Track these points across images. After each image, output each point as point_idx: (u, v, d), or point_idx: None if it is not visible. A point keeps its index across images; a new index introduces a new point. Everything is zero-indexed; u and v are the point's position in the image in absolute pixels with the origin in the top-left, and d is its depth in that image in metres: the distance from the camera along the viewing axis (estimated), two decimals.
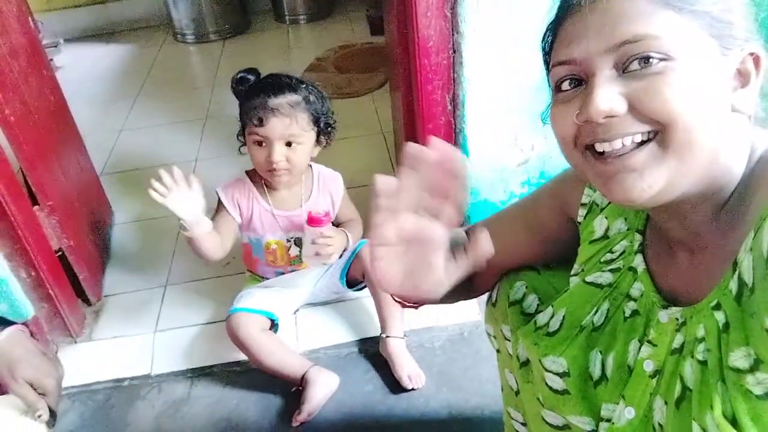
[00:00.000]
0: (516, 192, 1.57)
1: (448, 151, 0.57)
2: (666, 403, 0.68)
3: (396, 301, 0.92)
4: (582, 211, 0.84)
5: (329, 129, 1.51)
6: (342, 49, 3.23)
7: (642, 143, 0.59)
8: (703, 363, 0.63)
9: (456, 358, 1.53)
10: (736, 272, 0.60)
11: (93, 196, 1.99)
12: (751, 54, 0.60)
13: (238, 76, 1.47)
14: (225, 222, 1.53)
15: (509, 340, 0.92)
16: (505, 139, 1.47)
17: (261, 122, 1.39)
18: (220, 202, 1.55)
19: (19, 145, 1.48)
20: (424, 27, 1.33)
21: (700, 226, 0.66)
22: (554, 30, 0.66)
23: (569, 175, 0.88)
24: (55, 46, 3.38)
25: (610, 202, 0.80)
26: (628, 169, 0.60)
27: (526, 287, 0.92)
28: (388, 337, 1.50)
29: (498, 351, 1.00)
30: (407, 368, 1.46)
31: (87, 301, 1.74)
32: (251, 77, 1.46)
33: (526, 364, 0.88)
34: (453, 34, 1.34)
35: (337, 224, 1.64)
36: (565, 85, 0.64)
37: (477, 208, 1.57)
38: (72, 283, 1.66)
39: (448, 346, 1.56)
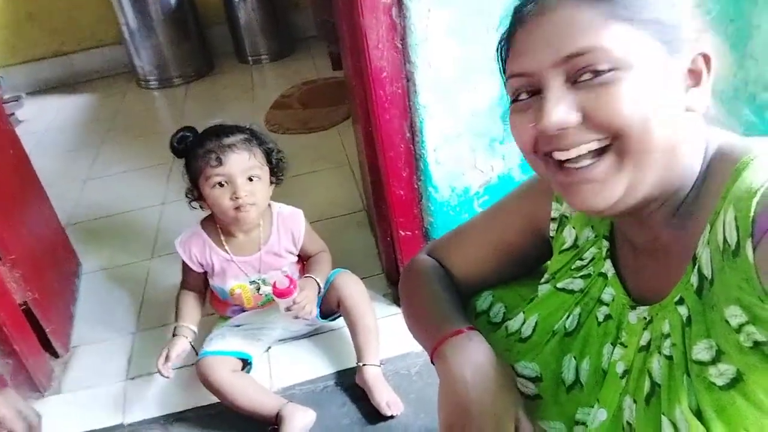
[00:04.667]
0: None
1: None
2: (635, 401, 0.68)
3: None
4: (553, 226, 0.85)
5: (281, 165, 1.53)
6: (305, 85, 3.26)
7: (600, 152, 0.61)
8: (669, 358, 0.64)
9: (433, 383, 1.49)
10: (696, 266, 0.61)
11: (58, 247, 1.97)
12: (701, 54, 0.62)
13: (178, 135, 1.47)
14: (192, 274, 1.58)
15: None
16: (465, 162, 1.48)
17: (220, 161, 1.39)
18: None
19: None
20: (376, 59, 1.35)
21: (660, 227, 0.67)
22: (508, 40, 0.68)
23: (534, 190, 0.88)
24: (17, 100, 3.36)
25: (576, 212, 0.82)
26: (589, 180, 0.61)
27: (492, 296, 0.92)
28: (364, 365, 1.49)
29: None
30: (385, 395, 1.45)
31: (55, 354, 1.70)
32: (189, 134, 1.47)
33: None
34: (405, 64, 1.36)
35: (305, 258, 1.64)
36: (522, 96, 0.65)
37: (444, 232, 1.58)
38: (38, 335, 1.62)
39: (425, 371, 1.55)
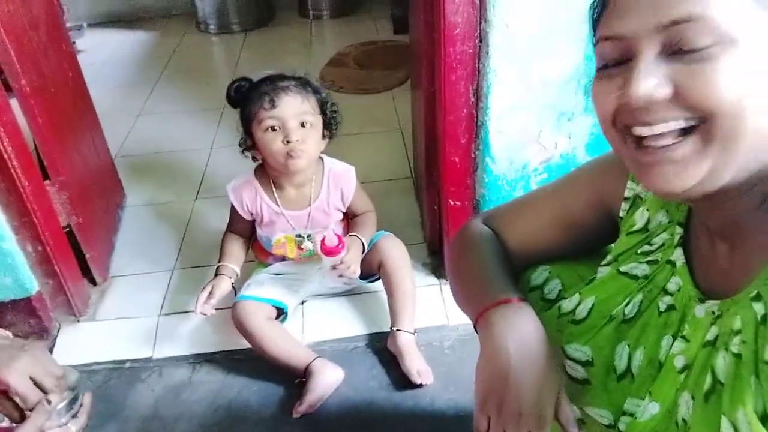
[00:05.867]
0: None
1: None
2: (693, 398, 0.64)
3: None
4: (625, 206, 0.80)
5: (334, 118, 1.49)
6: (364, 45, 3.20)
7: (685, 132, 0.55)
8: (737, 356, 0.59)
9: (465, 359, 1.48)
10: None
11: (106, 177, 1.97)
12: None
13: (234, 85, 1.44)
14: (240, 221, 1.56)
15: None
16: (529, 135, 1.42)
17: (273, 103, 1.36)
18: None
19: (34, 117, 1.46)
20: (450, 13, 1.29)
21: (743, 216, 0.62)
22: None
23: (610, 166, 0.83)
24: (79, 29, 3.38)
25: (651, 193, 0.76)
26: (669, 161, 0.56)
27: (549, 272, 0.88)
28: (398, 330, 1.46)
29: None
30: (416, 363, 1.42)
31: (93, 281, 1.72)
32: (245, 83, 1.44)
33: None
34: (480, 23, 1.30)
35: (351, 216, 1.61)
36: (610, 63, 0.60)
37: (495, 203, 1.52)
38: (78, 261, 1.63)
39: (458, 345, 1.52)
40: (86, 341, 1.57)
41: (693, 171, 0.56)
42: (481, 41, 1.32)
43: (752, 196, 0.60)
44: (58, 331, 1.60)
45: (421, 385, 1.40)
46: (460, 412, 1.35)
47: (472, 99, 1.40)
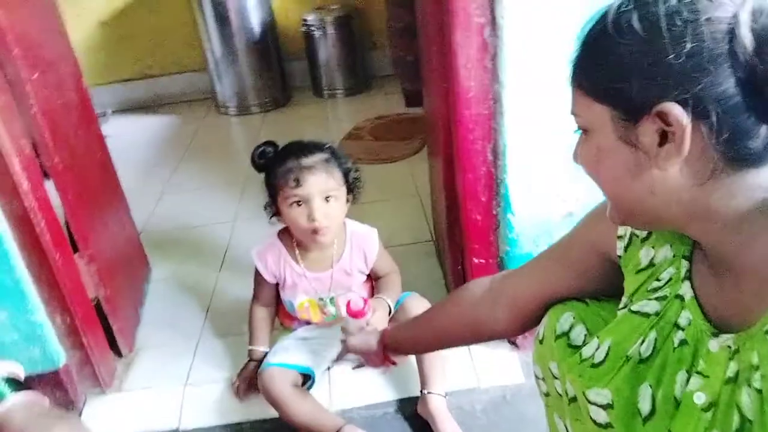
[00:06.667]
0: None
1: None
2: None
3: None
4: (620, 244, 0.82)
5: (357, 183, 1.52)
6: (378, 119, 3.30)
7: None
8: (759, 391, 0.58)
9: (498, 423, 1.44)
10: None
11: (132, 250, 2.01)
12: (657, 114, 0.59)
13: (259, 150, 1.48)
14: (265, 286, 1.58)
15: (557, 378, 0.87)
16: (549, 190, 1.44)
17: (298, 182, 1.39)
18: (256, 267, 1.56)
19: (65, 193, 1.51)
20: (464, 78, 1.34)
21: (739, 249, 0.63)
22: None
23: (600, 212, 0.86)
24: (104, 116, 3.52)
25: (651, 233, 0.79)
26: None
27: (574, 317, 0.88)
28: (429, 393, 1.43)
29: (547, 395, 0.94)
30: (449, 426, 1.38)
31: (119, 353, 1.71)
32: (270, 149, 1.48)
33: (574, 400, 0.83)
34: (493, 85, 1.34)
35: (375, 278, 1.61)
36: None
37: (520, 261, 1.52)
38: (105, 333, 1.64)
39: (490, 409, 1.48)
40: (112, 413, 1.56)
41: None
42: (495, 102, 1.36)
43: (740, 231, 0.62)
44: (84, 404, 1.58)
45: None
46: None
47: (490, 157, 1.43)
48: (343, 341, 1.32)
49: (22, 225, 1.37)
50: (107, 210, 1.82)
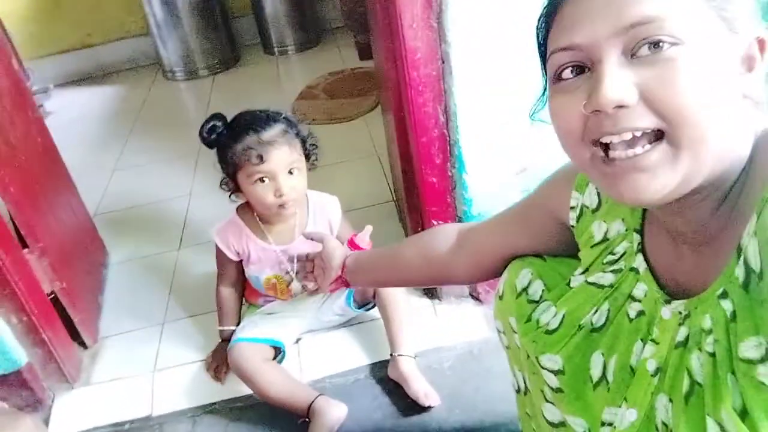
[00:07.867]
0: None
1: None
2: (671, 400, 0.64)
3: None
4: (572, 215, 0.83)
5: (314, 150, 1.50)
6: (332, 75, 3.22)
7: (653, 140, 0.56)
8: (712, 355, 0.59)
9: (467, 378, 1.47)
10: (741, 258, 0.56)
11: (86, 237, 1.95)
12: (757, 38, 0.57)
13: (208, 126, 1.41)
14: (228, 264, 1.56)
15: (516, 333, 0.90)
16: (501, 148, 1.43)
17: (261, 159, 1.35)
18: (218, 247, 1.53)
19: (5, 187, 1.45)
20: (410, 39, 1.30)
21: (704, 217, 0.62)
22: (551, 16, 0.63)
23: (557, 178, 0.87)
24: (45, 92, 3.37)
25: (601, 205, 0.78)
26: (638, 169, 0.56)
27: (532, 274, 0.89)
28: (399, 356, 1.45)
29: (508, 347, 0.97)
30: (422, 386, 1.40)
31: (83, 345, 1.68)
32: (219, 123, 1.42)
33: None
34: (440, 44, 1.31)
35: None
36: (567, 73, 0.60)
37: (478, 220, 1.52)
38: (66, 326, 1.61)
39: (458, 365, 1.50)
40: (83, 407, 1.54)
41: (663, 179, 0.56)
42: (443, 62, 1.33)
43: (713, 198, 0.60)
44: (53, 401, 1.56)
45: (427, 409, 1.38)
46: None
47: (442, 119, 1.41)
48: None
49: None
50: (54, 198, 1.76)
